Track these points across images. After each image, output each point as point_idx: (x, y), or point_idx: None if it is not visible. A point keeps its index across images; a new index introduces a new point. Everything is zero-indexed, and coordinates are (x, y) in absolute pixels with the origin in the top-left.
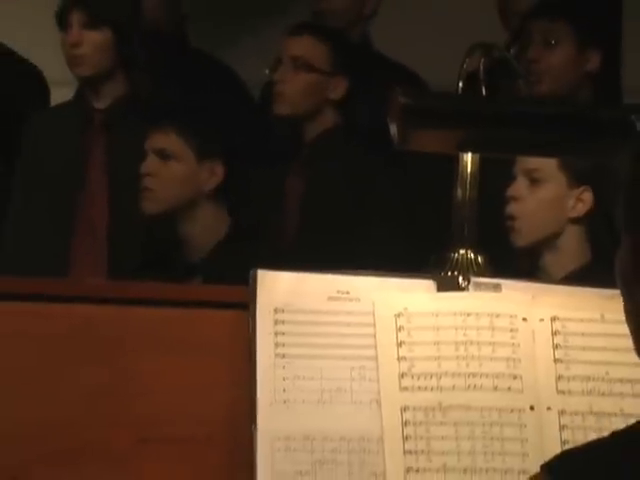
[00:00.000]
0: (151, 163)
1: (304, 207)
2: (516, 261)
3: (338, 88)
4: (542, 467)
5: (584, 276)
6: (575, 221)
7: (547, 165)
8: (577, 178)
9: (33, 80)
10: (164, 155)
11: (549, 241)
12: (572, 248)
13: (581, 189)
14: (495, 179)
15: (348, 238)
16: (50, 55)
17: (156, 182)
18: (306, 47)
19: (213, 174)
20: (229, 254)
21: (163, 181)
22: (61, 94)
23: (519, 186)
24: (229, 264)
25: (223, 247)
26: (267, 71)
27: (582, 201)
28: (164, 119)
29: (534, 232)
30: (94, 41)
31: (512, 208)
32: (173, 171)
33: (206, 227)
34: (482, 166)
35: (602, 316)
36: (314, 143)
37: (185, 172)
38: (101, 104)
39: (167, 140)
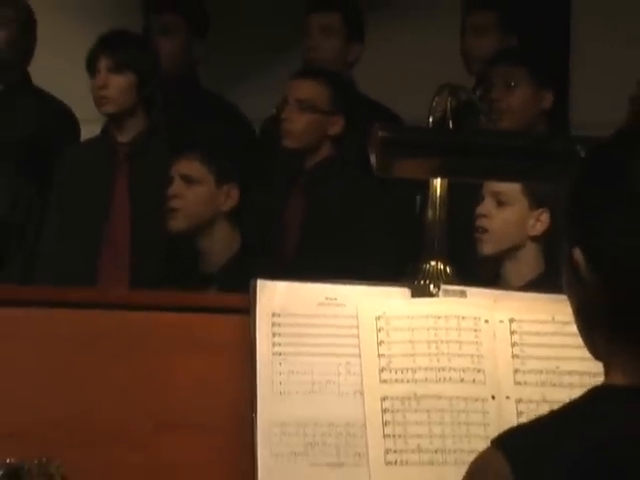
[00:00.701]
0: (177, 186)
1: (303, 227)
2: (480, 269)
3: (336, 125)
4: (492, 442)
5: (539, 284)
6: (534, 239)
7: (512, 189)
8: (537, 201)
9: (65, 118)
10: (189, 180)
11: (511, 253)
12: (530, 260)
13: (540, 211)
14: (465, 199)
15: (342, 252)
16: (80, 96)
17: (181, 203)
18: (310, 90)
19: (229, 197)
20: (240, 267)
21: (188, 202)
22: (89, 130)
23: (487, 205)
24: (240, 275)
25: (235, 261)
26: (274, 110)
27: (540, 221)
28: (188, 148)
29: (499, 244)
30: (119, 84)
31: (481, 222)
32: (196, 193)
33: (222, 243)
34: (452, 189)
35: (553, 318)
36: (312, 172)
37: (206, 194)
38: (124, 138)
39: (192, 166)
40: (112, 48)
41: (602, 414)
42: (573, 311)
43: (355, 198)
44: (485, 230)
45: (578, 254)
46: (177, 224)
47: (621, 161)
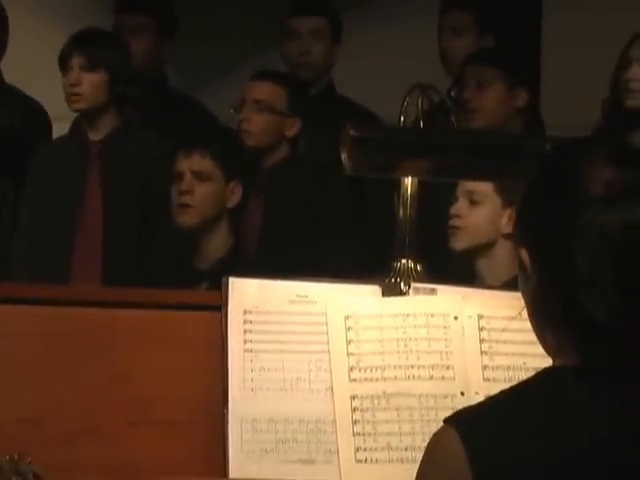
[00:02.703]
0: (188, 182)
1: (261, 227)
2: (454, 265)
3: (293, 127)
4: (444, 421)
5: (516, 285)
6: (507, 237)
7: (484, 188)
8: (510, 200)
9: (37, 116)
10: (200, 176)
11: (483, 250)
12: (504, 260)
13: (512, 209)
14: (440, 197)
15: (300, 251)
16: (52, 94)
17: (192, 199)
18: (268, 92)
19: (234, 193)
20: (232, 265)
21: (197, 198)
22: (62, 128)
23: (460, 205)
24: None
25: (228, 259)
26: (232, 110)
27: (513, 220)
28: (200, 144)
29: (471, 239)
30: (91, 81)
31: (455, 222)
32: (207, 190)
33: (219, 240)
34: (423, 188)
35: (520, 314)
36: (269, 172)
37: (216, 191)
38: (96, 136)
39: (203, 163)
40: (85, 46)
41: (550, 392)
42: (527, 309)
43: (312, 198)
44: (458, 228)
45: (524, 254)
46: (187, 220)
47: (567, 167)
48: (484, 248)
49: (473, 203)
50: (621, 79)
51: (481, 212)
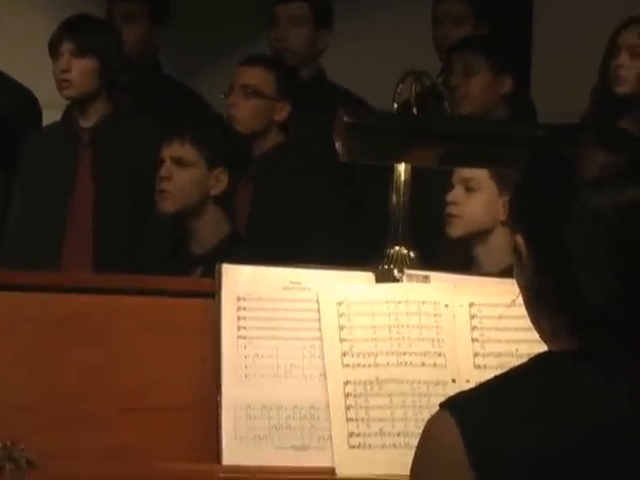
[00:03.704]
0: (168, 169)
1: (251, 214)
2: (450, 252)
3: (283, 112)
4: (440, 405)
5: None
6: (505, 223)
7: (480, 175)
8: (506, 186)
9: (28, 103)
10: (180, 162)
11: (481, 236)
12: (502, 246)
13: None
14: (434, 184)
15: (292, 236)
16: (43, 81)
17: (171, 185)
18: (256, 76)
19: (219, 180)
20: (227, 252)
21: (177, 185)
22: (53, 115)
23: (456, 193)
24: (226, 260)
25: (223, 245)
26: (222, 96)
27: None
28: (179, 132)
29: (467, 227)
30: (82, 68)
31: (451, 209)
32: (187, 176)
33: (210, 226)
34: (417, 175)
35: (512, 301)
36: (260, 160)
37: (197, 178)
38: (87, 123)
39: (183, 150)
40: (75, 32)
41: (546, 377)
42: (522, 296)
43: (303, 185)
44: (454, 216)
45: (519, 240)
46: (166, 206)
47: (560, 152)
48: (481, 235)
49: (469, 190)
50: (610, 66)
51: (478, 199)
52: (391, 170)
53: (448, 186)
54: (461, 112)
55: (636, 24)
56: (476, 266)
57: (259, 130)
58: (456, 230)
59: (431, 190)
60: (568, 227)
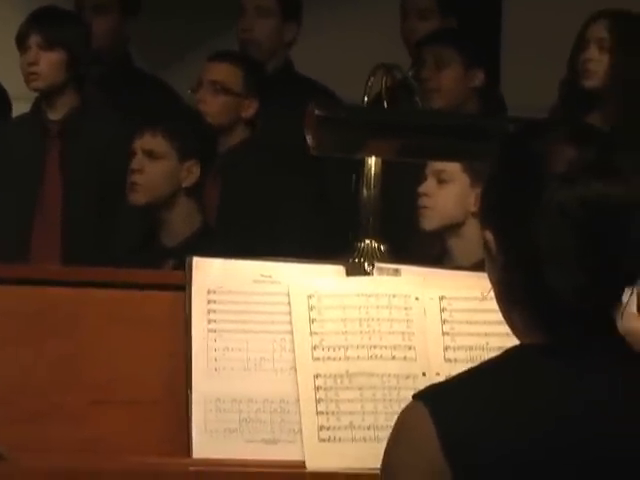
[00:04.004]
0: (139, 161)
1: (219, 209)
2: (423, 244)
3: (250, 108)
4: (413, 396)
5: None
6: (476, 215)
7: (452, 167)
8: (478, 179)
9: None
10: (151, 155)
11: (453, 229)
12: (475, 238)
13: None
14: (405, 177)
15: (259, 230)
16: (11, 73)
17: (143, 178)
18: (224, 73)
19: (190, 172)
20: (199, 244)
21: (149, 177)
22: (22, 108)
23: (429, 184)
24: (198, 252)
25: (195, 238)
26: (189, 91)
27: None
28: (151, 122)
29: (440, 219)
30: (49, 60)
31: (423, 201)
32: (158, 168)
33: (182, 218)
34: (392, 168)
35: (482, 294)
36: (227, 155)
37: (168, 170)
38: (55, 115)
39: (155, 142)
40: (43, 24)
41: (518, 370)
42: (493, 290)
43: (269, 179)
44: (426, 207)
45: (489, 235)
46: (137, 198)
47: (529, 147)
48: (454, 227)
49: (441, 182)
50: (579, 60)
51: (450, 191)
52: (361, 163)
53: (420, 179)
54: (432, 105)
55: (604, 18)
56: (449, 259)
57: (226, 126)
58: (429, 223)
59: (402, 183)
60: (535, 223)
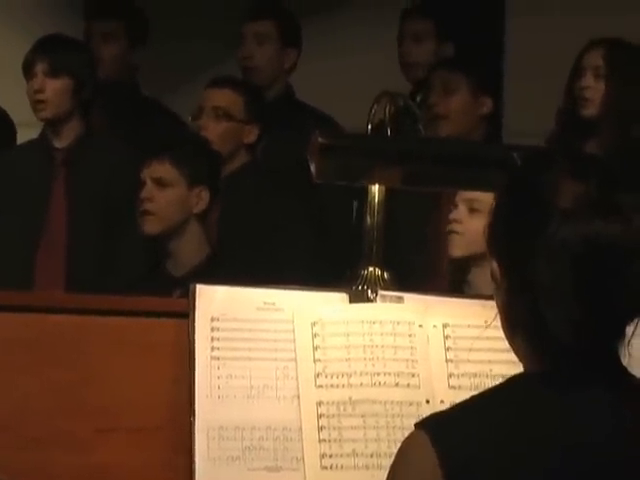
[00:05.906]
0: (149, 190)
1: (218, 234)
2: (448, 275)
3: (251, 134)
4: (416, 425)
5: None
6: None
7: (485, 197)
8: None
9: (1, 121)
10: (160, 182)
11: (477, 259)
12: None
13: None
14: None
15: (257, 256)
16: (16, 100)
17: (154, 206)
18: (226, 99)
19: (200, 199)
20: (207, 273)
21: (160, 205)
22: (27, 134)
23: (460, 211)
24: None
25: (203, 266)
26: (190, 118)
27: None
28: (158, 150)
29: (467, 248)
30: (55, 88)
31: (454, 226)
32: (168, 196)
33: (191, 246)
34: (392, 195)
35: (486, 322)
36: (227, 180)
37: (178, 197)
38: (61, 143)
39: (163, 169)
40: (48, 52)
41: (519, 399)
42: (499, 316)
43: (268, 205)
44: (456, 233)
45: (494, 265)
46: (150, 227)
47: (534, 180)
48: (480, 258)
49: (473, 211)
50: (575, 87)
51: (481, 220)
52: (364, 190)
53: (426, 206)
54: (439, 132)
55: (599, 46)
56: (470, 288)
57: (228, 152)
58: (457, 249)
59: (406, 211)
60: (537, 255)
